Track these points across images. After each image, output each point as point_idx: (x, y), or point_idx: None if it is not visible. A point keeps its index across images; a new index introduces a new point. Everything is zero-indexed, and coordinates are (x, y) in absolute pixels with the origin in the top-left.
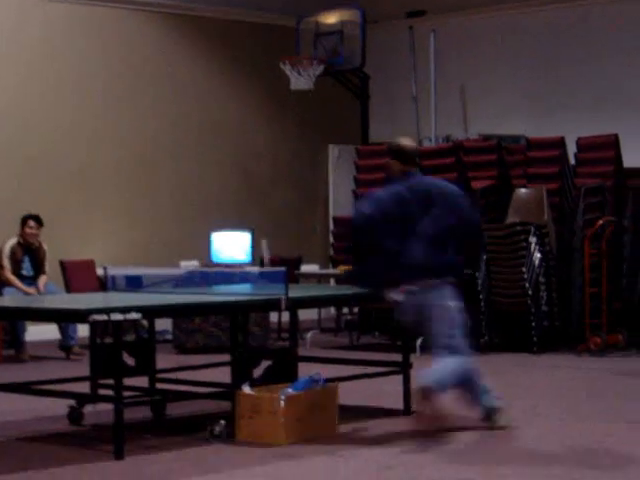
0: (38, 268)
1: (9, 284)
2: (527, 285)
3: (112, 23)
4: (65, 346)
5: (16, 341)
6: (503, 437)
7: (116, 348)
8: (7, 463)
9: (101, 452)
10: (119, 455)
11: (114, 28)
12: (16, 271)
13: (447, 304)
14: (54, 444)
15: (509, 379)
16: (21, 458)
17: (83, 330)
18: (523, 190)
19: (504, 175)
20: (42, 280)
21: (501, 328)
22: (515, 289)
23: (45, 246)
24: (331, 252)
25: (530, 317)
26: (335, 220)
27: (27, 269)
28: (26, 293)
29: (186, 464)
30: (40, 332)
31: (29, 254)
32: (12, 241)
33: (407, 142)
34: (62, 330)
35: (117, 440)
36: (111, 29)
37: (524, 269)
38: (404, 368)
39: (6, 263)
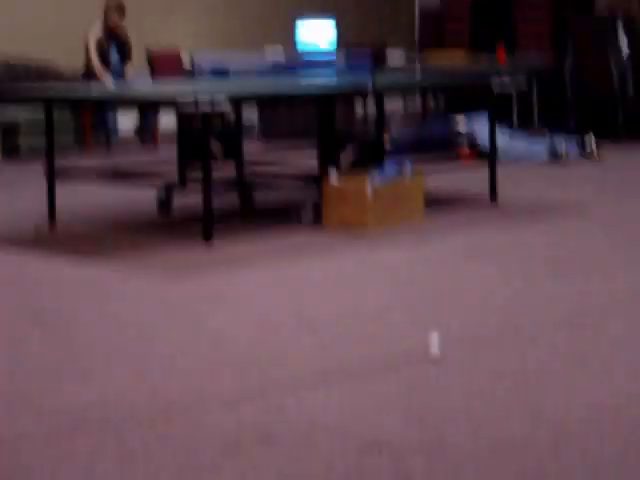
0: (125, 56)
1: (95, 76)
2: (614, 71)
3: None
4: (141, 131)
5: (104, 128)
6: None
7: (204, 133)
8: (96, 249)
9: (190, 235)
10: (207, 236)
11: None
12: (103, 61)
13: None
14: (142, 232)
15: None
16: (109, 245)
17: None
18: None
19: None
20: (130, 69)
21: (588, 115)
22: (603, 77)
23: (130, 38)
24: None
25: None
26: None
27: (114, 59)
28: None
29: (275, 247)
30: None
31: (115, 42)
32: (96, 30)
33: None
34: (142, 118)
35: (206, 222)
36: None
37: (611, 58)
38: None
39: (94, 56)
